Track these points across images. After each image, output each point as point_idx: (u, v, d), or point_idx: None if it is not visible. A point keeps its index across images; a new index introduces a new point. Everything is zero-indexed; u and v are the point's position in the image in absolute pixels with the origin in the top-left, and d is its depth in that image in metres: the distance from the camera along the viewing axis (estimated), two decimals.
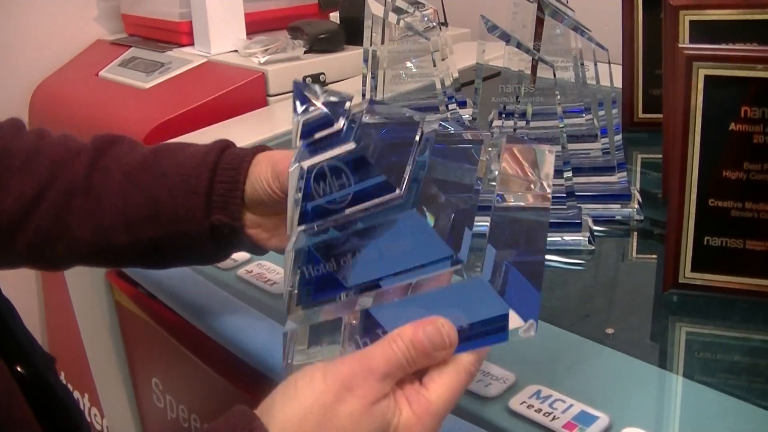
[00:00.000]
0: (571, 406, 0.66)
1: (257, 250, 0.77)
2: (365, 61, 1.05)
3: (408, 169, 0.58)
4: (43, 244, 0.78)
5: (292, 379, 0.55)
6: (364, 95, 1.08)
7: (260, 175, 0.73)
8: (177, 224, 0.75)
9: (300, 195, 0.59)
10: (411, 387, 0.56)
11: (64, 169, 0.78)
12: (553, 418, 0.65)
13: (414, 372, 0.56)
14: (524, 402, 0.67)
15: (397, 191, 0.56)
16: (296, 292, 0.60)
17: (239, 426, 0.53)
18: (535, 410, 0.66)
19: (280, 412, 0.53)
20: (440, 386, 0.56)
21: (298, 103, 0.59)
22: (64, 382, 0.76)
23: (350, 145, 0.57)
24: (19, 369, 0.67)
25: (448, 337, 0.56)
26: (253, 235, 0.75)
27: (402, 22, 1.03)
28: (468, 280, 0.56)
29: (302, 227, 0.60)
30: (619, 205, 0.98)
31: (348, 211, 0.58)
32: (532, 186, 0.60)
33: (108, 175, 0.78)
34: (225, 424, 0.54)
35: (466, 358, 0.57)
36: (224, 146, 0.78)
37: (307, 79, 1.61)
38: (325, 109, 0.58)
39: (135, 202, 0.76)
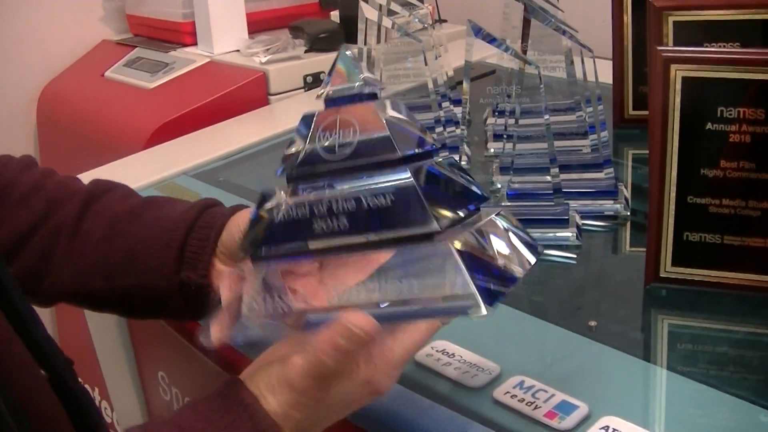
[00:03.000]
0: (552, 395, 0.68)
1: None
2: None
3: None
4: (29, 280, 0.79)
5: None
6: None
7: (240, 222, 0.74)
8: (148, 276, 0.76)
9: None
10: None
11: (58, 209, 0.80)
12: (535, 408, 0.67)
13: None
14: (508, 392, 0.69)
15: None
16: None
17: (227, 390, 0.55)
18: (518, 400, 0.68)
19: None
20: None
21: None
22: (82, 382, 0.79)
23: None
24: (42, 372, 0.70)
25: (367, 327, 0.55)
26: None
27: (395, 25, 1.05)
28: (436, 249, 0.54)
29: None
30: (606, 201, 1.00)
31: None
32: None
33: (95, 221, 0.79)
34: (215, 392, 0.56)
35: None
36: (208, 204, 0.79)
37: (307, 78, 1.64)
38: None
39: (114, 249, 0.77)
